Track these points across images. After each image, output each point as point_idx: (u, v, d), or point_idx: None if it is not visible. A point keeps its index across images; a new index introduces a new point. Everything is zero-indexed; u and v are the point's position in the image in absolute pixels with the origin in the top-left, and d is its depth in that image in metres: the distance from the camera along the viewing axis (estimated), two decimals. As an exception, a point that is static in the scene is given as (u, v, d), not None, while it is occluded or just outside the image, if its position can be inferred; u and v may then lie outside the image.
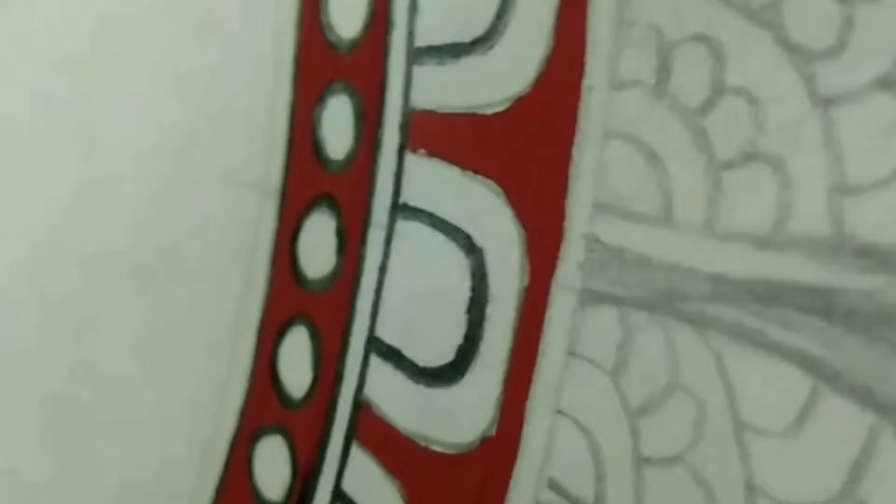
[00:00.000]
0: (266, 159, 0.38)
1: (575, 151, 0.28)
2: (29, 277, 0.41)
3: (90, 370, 0.40)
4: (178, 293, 0.40)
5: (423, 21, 0.33)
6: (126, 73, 0.42)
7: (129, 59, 0.42)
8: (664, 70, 0.26)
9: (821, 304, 0.23)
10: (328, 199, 0.36)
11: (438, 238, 0.32)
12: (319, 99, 0.36)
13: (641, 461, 0.26)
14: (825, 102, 0.23)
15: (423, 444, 0.31)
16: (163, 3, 0.41)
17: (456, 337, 0.31)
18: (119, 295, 0.41)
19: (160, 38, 0.41)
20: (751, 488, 0.23)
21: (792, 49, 0.23)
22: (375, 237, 0.34)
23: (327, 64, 0.36)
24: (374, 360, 0.33)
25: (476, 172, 0.31)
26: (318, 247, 0.36)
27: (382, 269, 0.33)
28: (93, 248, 0.41)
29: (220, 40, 0.39)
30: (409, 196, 0.33)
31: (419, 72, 0.33)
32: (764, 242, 0.24)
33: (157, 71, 0.41)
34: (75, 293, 0.39)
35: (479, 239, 0.30)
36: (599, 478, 0.26)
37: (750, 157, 0.24)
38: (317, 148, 0.36)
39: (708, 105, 0.25)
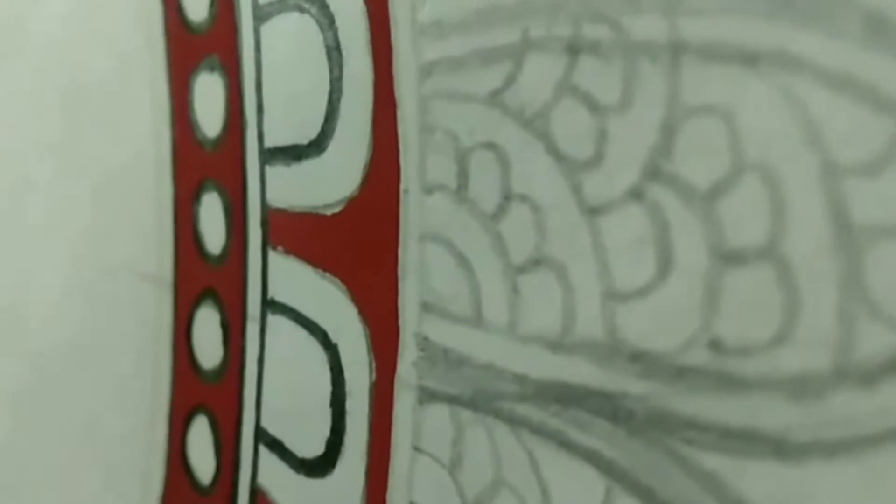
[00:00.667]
0: (158, 253, 0.39)
1: (400, 252, 0.29)
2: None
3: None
4: (96, 385, 0.41)
5: (268, 122, 0.34)
6: (31, 162, 0.43)
7: (37, 149, 0.43)
8: (463, 175, 0.27)
9: (607, 407, 0.23)
10: (212, 293, 0.37)
11: (302, 333, 0.33)
12: (196, 195, 0.37)
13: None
14: (591, 211, 0.23)
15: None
16: (60, 97, 0.42)
17: (324, 430, 0.32)
18: (40, 388, 0.42)
19: (61, 129, 0.42)
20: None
21: (560, 158, 0.24)
22: (252, 330, 0.35)
23: (199, 162, 0.37)
24: (263, 451, 0.35)
25: (325, 270, 0.32)
26: (208, 339, 0.37)
27: (261, 362, 0.35)
28: (27, 342, 0.42)
29: (108, 135, 0.40)
30: (276, 291, 0.34)
31: (271, 171, 0.34)
32: (556, 345, 0.24)
33: (61, 161, 0.42)
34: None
35: (334, 336, 0.31)
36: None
37: (537, 262, 0.25)
38: (198, 242, 0.37)
39: (500, 211, 0.26)
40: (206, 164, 0.36)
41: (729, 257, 0.21)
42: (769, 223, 0.20)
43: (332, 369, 0.31)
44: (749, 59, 0.20)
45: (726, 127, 0.21)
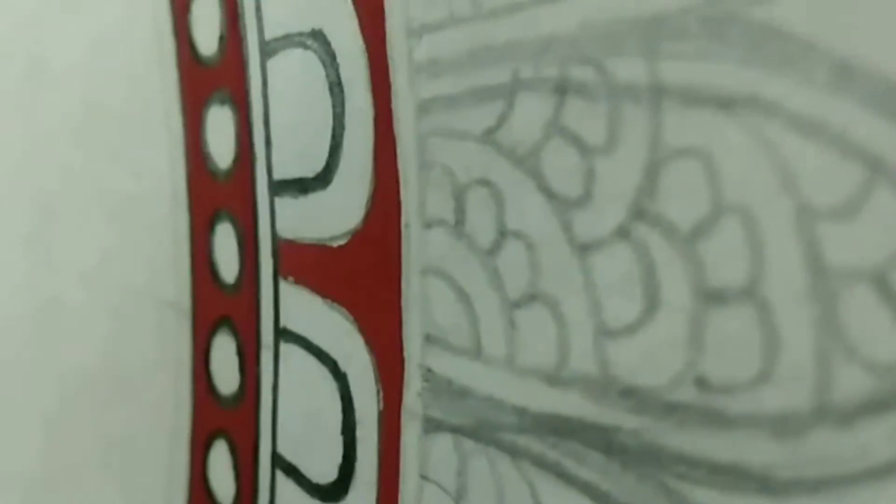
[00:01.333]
0: (176, 280, 0.40)
1: (403, 285, 0.29)
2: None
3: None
4: (120, 408, 0.42)
5: (276, 155, 0.34)
6: (51, 189, 0.44)
7: (57, 177, 0.44)
8: (460, 211, 0.27)
9: (601, 440, 0.24)
10: (228, 321, 0.38)
11: (312, 362, 0.33)
12: (210, 225, 0.38)
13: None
14: (581, 249, 0.24)
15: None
16: (79, 128, 0.43)
17: (336, 456, 0.32)
18: (67, 411, 0.43)
19: (82, 158, 0.43)
20: None
21: (552, 196, 0.25)
22: (266, 358, 0.36)
23: (212, 192, 0.38)
24: (280, 476, 0.35)
25: (333, 301, 0.32)
26: (225, 365, 0.38)
27: (275, 389, 0.35)
28: (55, 364, 0.43)
29: (126, 165, 0.41)
30: (288, 320, 0.35)
31: (280, 203, 0.34)
32: (552, 379, 0.25)
33: (80, 189, 0.43)
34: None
35: (343, 364, 0.32)
36: None
37: (533, 297, 0.25)
38: (214, 271, 0.38)
39: (496, 246, 0.26)
40: (219, 194, 0.37)
41: (711, 297, 0.21)
42: (749, 264, 0.20)
43: (342, 398, 0.32)
44: (725, 103, 0.20)
45: (705, 169, 0.21)
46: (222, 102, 0.37)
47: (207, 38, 0.37)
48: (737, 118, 0.20)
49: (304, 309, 0.34)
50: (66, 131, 0.44)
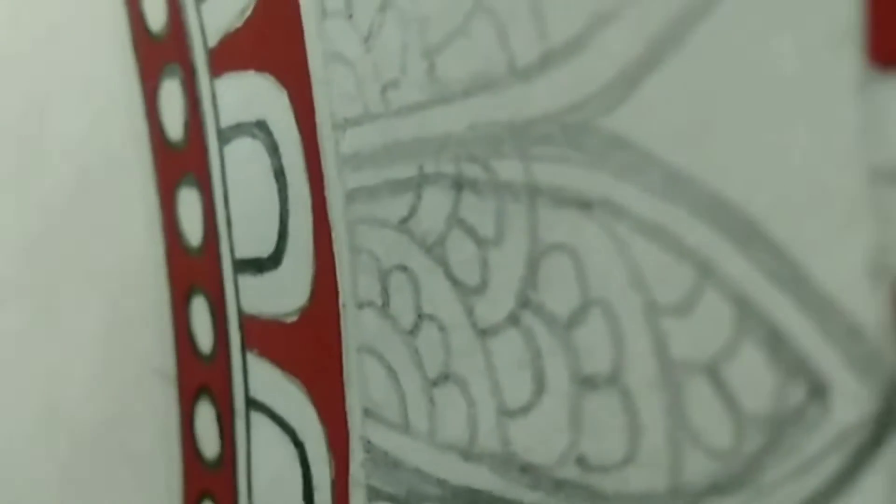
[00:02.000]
0: (162, 350, 0.42)
1: (343, 361, 0.31)
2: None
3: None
4: (121, 470, 0.45)
5: (237, 235, 0.36)
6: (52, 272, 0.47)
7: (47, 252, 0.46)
8: (385, 294, 0.29)
9: (509, 511, 0.26)
10: (207, 389, 0.40)
11: (277, 430, 0.35)
12: (187, 298, 0.40)
13: None
14: (482, 333, 0.26)
15: None
16: (63, 205, 0.45)
17: (301, 521, 0.34)
18: (73, 472, 0.46)
19: (72, 239, 0.46)
20: None
21: (456, 284, 0.26)
22: (240, 426, 0.38)
23: (186, 267, 0.40)
24: (256, 537, 0.37)
25: (289, 373, 0.34)
26: (207, 431, 0.40)
27: (248, 455, 0.37)
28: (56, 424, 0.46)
29: (109, 240, 0.44)
30: (255, 391, 0.37)
31: (242, 280, 0.36)
32: (465, 454, 0.27)
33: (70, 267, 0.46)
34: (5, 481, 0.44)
35: (301, 434, 0.34)
36: None
37: (446, 376, 0.27)
38: (193, 342, 0.40)
39: (415, 328, 0.28)
40: (193, 270, 0.39)
41: (585, 382, 0.23)
42: (612, 354, 0.22)
43: (301, 464, 0.34)
44: (585, 203, 0.22)
45: (574, 264, 0.23)
46: (190, 185, 0.39)
47: (174, 122, 0.39)
48: (594, 218, 0.22)
49: (267, 380, 0.36)
50: (57, 210, 0.47)
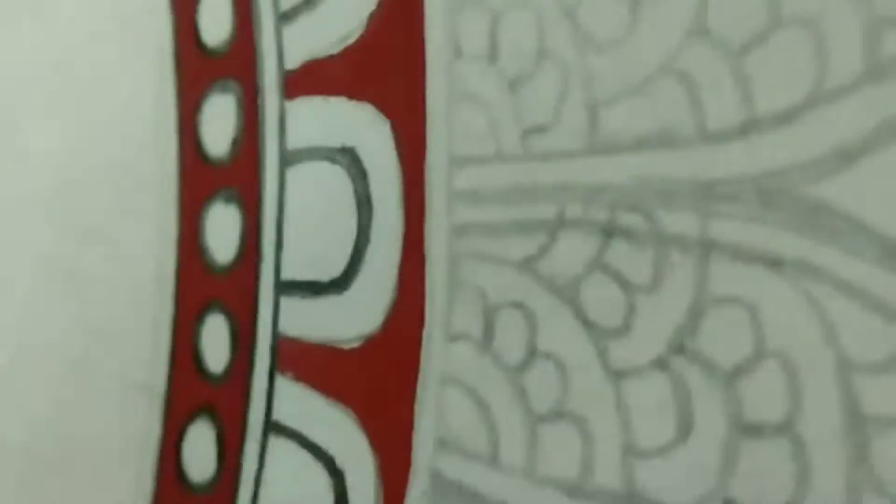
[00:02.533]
0: (152, 367, 0.41)
1: (419, 391, 0.32)
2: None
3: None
4: (72, 490, 0.43)
5: (287, 257, 0.36)
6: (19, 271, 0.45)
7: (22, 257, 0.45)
8: (489, 329, 0.30)
9: (620, 549, 0.26)
10: (210, 409, 0.39)
11: (306, 457, 0.35)
12: (199, 315, 0.40)
13: None
14: (616, 375, 0.27)
15: None
16: (48, 206, 0.44)
17: (323, 549, 0.34)
18: (13, 485, 0.44)
19: (49, 240, 0.44)
20: None
21: (589, 325, 0.27)
22: (251, 449, 0.37)
23: (204, 284, 0.39)
24: (253, 564, 0.37)
25: (336, 399, 0.34)
26: (200, 452, 0.39)
27: (257, 481, 0.37)
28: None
29: (109, 250, 0.42)
30: (281, 414, 0.36)
31: (286, 302, 0.36)
32: (572, 490, 0.27)
33: (50, 272, 0.44)
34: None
35: (341, 462, 0.34)
36: None
37: (559, 414, 0.28)
38: (198, 360, 0.39)
39: (525, 365, 0.29)
40: (213, 287, 0.39)
41: (747, 430, 0.24)
42: (787, 404, 0.24)
43: (336, 494, 0.34)
44: (774, 262, 0.24)
45: (750, 317, 0.24)
46: (227, 201, 0.39)
47: (218, 138, 0.39)
48: (785, 277, 0.24)
49: (301, 405, 0.35)
50: (42, 208, 0.45)
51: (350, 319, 0.34)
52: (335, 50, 0.35)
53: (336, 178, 0.34)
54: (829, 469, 0.23)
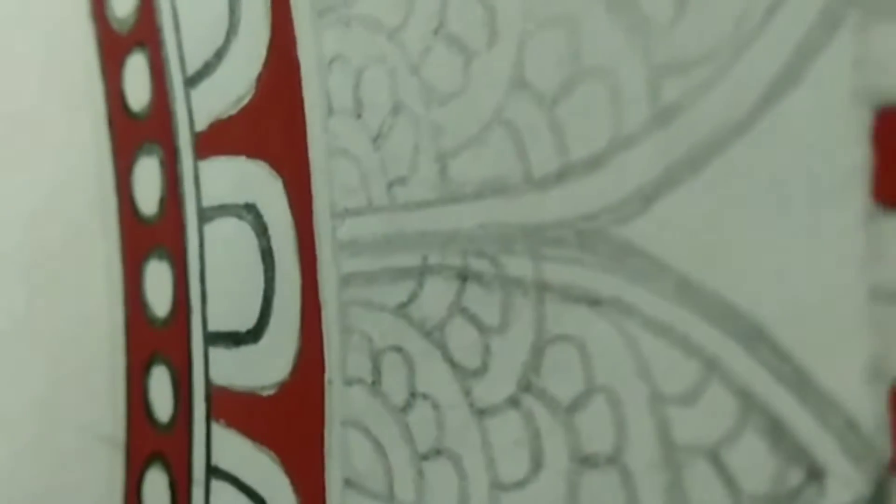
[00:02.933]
0: (113, 417, 0.43)
1: (325, 433, 0.33)
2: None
3: None
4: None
5: (211, 309, 0.38)
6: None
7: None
8: (377, 372, 0.31)
9: (496, 578, 0.28)
10: (161, 456, 0.41)
11: (242, 499, 0.37)
12: (146, 367, 0.42)
13: None
14: (479, 413, 0.28)
15: None
16: (23, 273, 0.46)
17: (262, 586, 0.36)
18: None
19: (24, 301, 0.46)
20: None
21: (455, 366, 0.29)
22: (197, 494, 0.39)
23: (149, 337, 0.41)
24: None
25: (262, 444, 0.36)
26: (156, 498, 0.41)
27: (206, 522, 0.39)
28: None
29: (65, 307, 0.45)
30: (219, 459, 0.38)
31: (214, 352, 0.38)
32: (454, 525, 0.29)
33: (21, 327, 0.46)
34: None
35: (271, 502, 0.36)
36: None
37: (438, 452, 0.29)
38: (148, 410, 0.42)
39: (407, 406, 0.30)
40: (155, 340, 0.41)
41: (585, 462, 0.25)
42: (614, 436, 0.25)
43: (268, 533, 0.36)
44: (595, 301, 0.25)
45: (580, 354, 0.26)
46: (160, 258, 0.41)
47: (149, 197, 0.41)
48: (604, 315, 0.25)
49: (234, 450, 0.37)
50: (10, 272, 0.47)
51: (265, 367, 0.35)
52: (234, 111, 0.36)
53: (244, 234, 0.36)
54: (653, 497, 0.24)
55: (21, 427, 0.46)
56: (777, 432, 0.22)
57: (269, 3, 0.35)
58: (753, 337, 0.22)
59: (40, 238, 0.46)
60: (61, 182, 0.45)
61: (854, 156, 0.20)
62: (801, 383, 0.21)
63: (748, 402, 0.22)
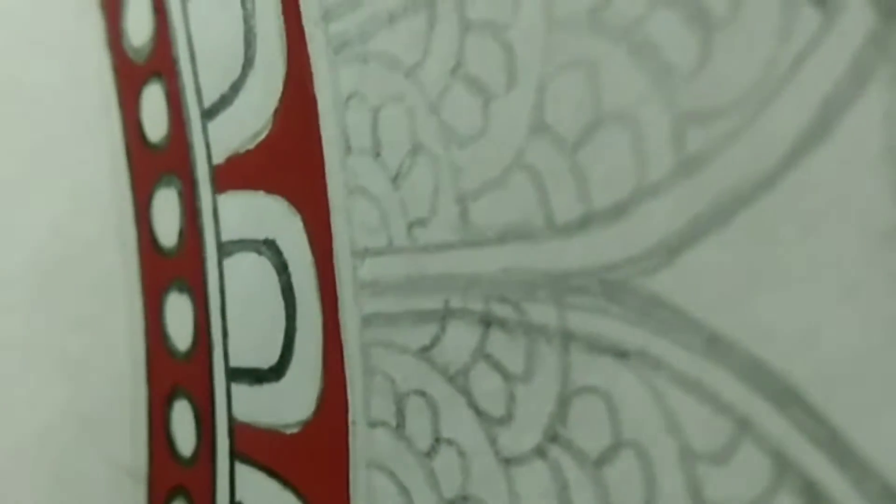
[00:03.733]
0: (133, 449, 0.43)
1: (350, 476, 0.33)
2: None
3: None
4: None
5: (233, 345, 0.38)
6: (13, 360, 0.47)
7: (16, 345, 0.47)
8: (401, 415, 0.31)
9: None
10: (184, 491, 0.41)
11: (267, 537, 0.37)
12: (168, 400, 0.41)
13: None
14: (506, 462, 0.28)
15: None
16: (35, 294, 0.46)
17: None
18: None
19: (43, 331, 0.46)
20: None
21: (480, 413, 0.28)
22: (223, 529, 0.39)
23: (170, 370, 0.41)
24: None
25: (285, 482, 0.36)
26: (183, 532, 0.41)
27: (231, 559, 0.38)
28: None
29: (86, 338, 0.44)
30: (242, 496, 0.38)
31: (236, 388, 0.38)
32: (481, 573, 0.28)
33: (40, 357, 0.46)
34: None
35: (295, 542, 0.35)
36: None
37: (464, 499, 0.29)
38: (170, 443, 0.41)
39: (432, 451, 0.30)
40: (177, 373, 0.41)
41: (614, 516, 0.25)
42: (644, 492, 0.24)
43: (294, 572, 0.35)
44: (621, 353, 0.25)
45: (607, 407, 0.25)
46: (181, 290, 0.40)
47: (168, 230, 0.41)
48: (631, 368, 0.24)
49: (258, 486, 0.37)
50: (29, 302, 0.47)
51: (288, 406, 0.35)
52: (251, 145, 0.36)
53: (264, 269, 0.36)
54: (684, 557, 0.23)
55: (40, 458, 0.46)
56: (812, 495, 0.21)
57: (284, 37, 0.34)
58: (786, 396, 0.21)
59: (59, 269, 0.45)
60: (79, 212, 0.45)
61: (887, 215, 0.20)
62: (836, 446, 0.20)
63: (782, 462, 0.21)
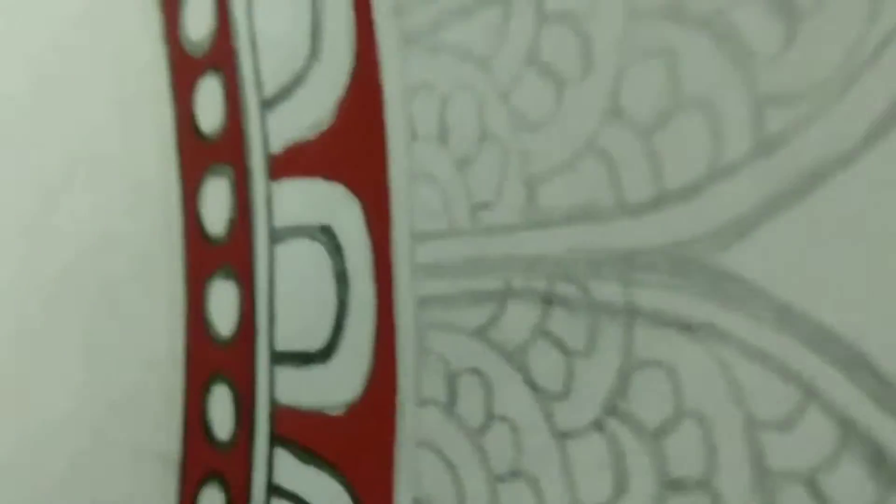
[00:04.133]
0: (167, 435, 0.44)
1: (395, 454, 0.34)
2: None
3: None
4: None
5: (279, 330, 0.39)
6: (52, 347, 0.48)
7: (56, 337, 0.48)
8: (452, 394, 0.32)
9: None
10: (219, 476, 0.41)
11: (304, 518, 0.37)
12: (206, 385, 0.42)
13: None
14: (561, 436, 0.29)
15: None
16: (86, 297, 0.47)
17: None
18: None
19: (89, 324, 0.47)
20: None
21: (536, 389, 0.29)
22: (256, 512, 0.39)
23: (210, 356, 0.42)
24: None
25: (327, 463, 0.36)
26: (213, 516, 0.41)
27: (264, 541, 0.39)
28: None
29: (126, 327, 0.45)
30: (281, 479, 0.38)
31: (280, 372, 0.38)
32: (530, 546, 0.29)
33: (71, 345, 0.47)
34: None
35: (334, 522, 0.36)
36: None
37: (515, 474, 0.30)
38: (206, 428, 0.42)
39: (484, 428, 0.31)
40: (217, 359, 0.41)
41: (672, 486, 0.26)
42: (704, 461, 0.25)
43: (330, 552, 0.36)
44: (687, 327, 0.26)
45: (670, 379, 0.26)
46: (226, 277, 0.41)
47: (217, 218, 0.42)
48: (697, 340, 0.25)
49: (298, 469, 0.38)
50: (73, 290, 0.48)
51: (335, 387, 0.36)
52: (311, 135, 0.37)
53: (317, 255, 0.37)
54: (743, 522, 0.24)
55: (74, 441, 0.46)
56: (878, 459, 0.22)
57: (353, 31, 0.35)
58: (855, 364, 0.22)
59: (103, 257, 0.46)
60: (125, 200, 0.46)
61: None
62: (904, 410, 0.21)
63: (848, 428, 0.22)
